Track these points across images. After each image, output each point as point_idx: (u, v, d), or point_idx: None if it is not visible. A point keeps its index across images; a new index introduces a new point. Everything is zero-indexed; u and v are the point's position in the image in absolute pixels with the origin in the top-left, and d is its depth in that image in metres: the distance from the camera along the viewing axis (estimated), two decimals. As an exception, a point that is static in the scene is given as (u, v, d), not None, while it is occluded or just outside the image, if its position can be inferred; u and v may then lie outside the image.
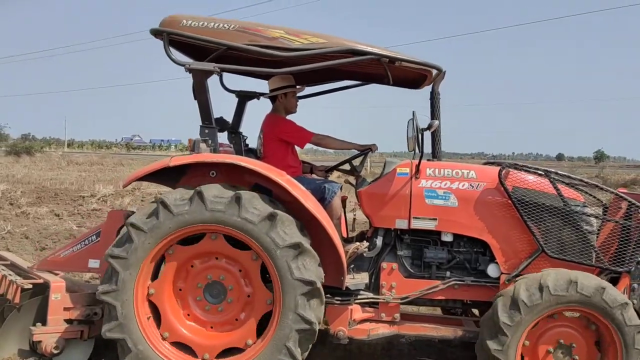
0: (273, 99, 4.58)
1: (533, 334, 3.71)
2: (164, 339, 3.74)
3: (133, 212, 4.37)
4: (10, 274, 4.12)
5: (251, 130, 4.90)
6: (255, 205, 3.59)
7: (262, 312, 3.75)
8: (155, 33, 3.84)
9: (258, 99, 5.05)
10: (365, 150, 4.64)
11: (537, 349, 3.72)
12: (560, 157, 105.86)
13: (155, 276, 3.82)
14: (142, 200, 13.67)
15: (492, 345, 3.57)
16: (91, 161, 32.66)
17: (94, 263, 4.23)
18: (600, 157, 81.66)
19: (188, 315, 3.81)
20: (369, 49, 3.87)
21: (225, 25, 3.81)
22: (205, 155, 3.79)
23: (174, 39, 3.84)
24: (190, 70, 3.79)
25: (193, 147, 3.84)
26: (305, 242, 3.62)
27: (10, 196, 13.31)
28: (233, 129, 4.88)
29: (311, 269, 3.60)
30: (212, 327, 3.81)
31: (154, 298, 3.74)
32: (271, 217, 3.57)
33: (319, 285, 3.61)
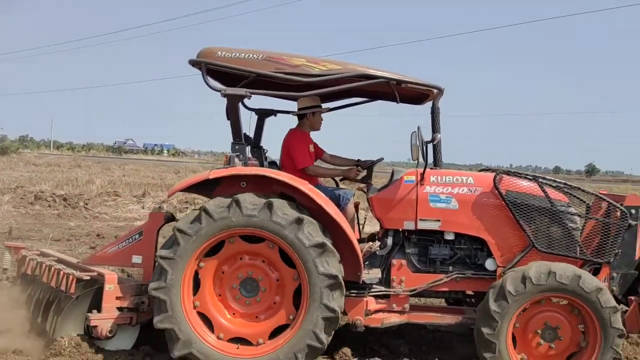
0: (301, 116, 5.12)
1: (523, 318, 4.25)
2: (194, 307, 4.27)
3: (172, 214, 4.96)
4: (64, 268, 4.65)
5: (269, 144, 5.48)
6: (284, 211, 4.16)
7: (280, 322, 4.28)
8: (194, 63, 4.41)
9: (275, 115, 5.61)
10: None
11: (526, 331, 4.27)
12: (557, 169, 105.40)
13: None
14: (22, 198, 14.55)
15: (485, 330, 4.13)
16: (49, 162, 33.61)
17: (137, 258, 4.79)
18: (591, 170, 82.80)
19: (219, 295, 4.35)
20: (379, 74, 4.46)
21: (254, 55, 4.40)
22: (241, 169, 4.35)
23: (210, 68, 4.40)
24: (225, 95, 4.36)
25: (229, 161, 4.40)
26: (328, 242, 4.18)
27: None
28: (255, 143, 5.42)
29: (334, 264, 4.17)
30: (234, 314, 4.35)
31: (201, 271, 4.28)
32: (298, 221, 4.13)
33: (341, 278, 4.17)
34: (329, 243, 4.18)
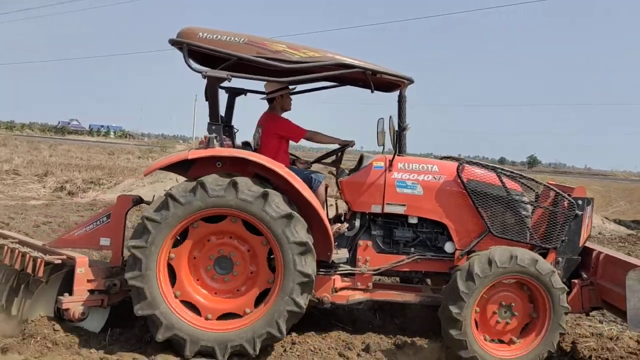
0: (271, 99, 5.23)
1: (481, 303, 4.60)
2: (176, 297, 4.38)
3: (140, 197, 4.97)
4: (31, 251, 4.60)
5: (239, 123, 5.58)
6: (249, 188, 4.30)
7: (261, 288, 4.47)
8: (174, 43, 4.41)
9: (245, 95, 5.67)
10: (346, 145, 5.41)
11: (485, 314, 4.65)
12: (502, 160, 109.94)
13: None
14: None
15: (453, 309, 4.46)
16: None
17: (105, 241, 4.82)
18: (533, 162, 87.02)
19: (197, 280, 4.48)
20: (357, 63, 4.64)
21: (236, 39, 4.45)
22: (220, 150, 4.43)
23: (191, 48, 4.42)
24: (206, 76, 4.40)
25: (208, 142, 4.46)
26: (295, 212, 4.36)
27: None
28: (226, 123, 5.47)
29: (302, 232, 4.37)
30: (216, 293, 4.50)
31: (174, 262, 4.38)
32: (264, 195, 4.29)
33: (311, 244, 4.38)
34: (295, 213, 4.35)
